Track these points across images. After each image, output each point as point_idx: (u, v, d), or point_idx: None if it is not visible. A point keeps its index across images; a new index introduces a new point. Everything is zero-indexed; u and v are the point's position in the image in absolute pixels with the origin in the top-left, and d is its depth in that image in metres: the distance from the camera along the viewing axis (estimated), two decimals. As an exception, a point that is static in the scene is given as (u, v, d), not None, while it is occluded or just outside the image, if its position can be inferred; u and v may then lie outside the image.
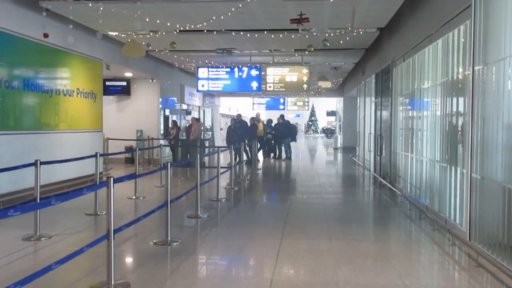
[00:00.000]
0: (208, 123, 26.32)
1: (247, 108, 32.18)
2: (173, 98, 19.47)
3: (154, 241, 6.00)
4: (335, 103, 36.93)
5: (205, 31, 9.76)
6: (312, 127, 59.66)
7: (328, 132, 46.00)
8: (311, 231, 6.76)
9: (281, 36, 10.69)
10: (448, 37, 6.88)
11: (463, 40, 6.29)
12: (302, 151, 26.05)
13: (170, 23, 8.87)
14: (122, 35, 11.08)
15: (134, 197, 9.38)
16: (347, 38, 11.37)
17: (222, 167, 10.24)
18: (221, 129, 30.70)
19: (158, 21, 8.47)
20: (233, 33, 10.39)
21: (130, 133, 16.92)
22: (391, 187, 10.01)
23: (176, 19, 8.87)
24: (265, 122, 19.31)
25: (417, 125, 8.72)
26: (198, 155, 7.73)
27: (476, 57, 5.68)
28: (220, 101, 29.76)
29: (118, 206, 9.05)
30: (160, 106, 18.18)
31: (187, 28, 8.91)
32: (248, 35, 10.47)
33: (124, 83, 16.99)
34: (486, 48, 5.50)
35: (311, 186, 11.97)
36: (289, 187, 11.86)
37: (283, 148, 18.88)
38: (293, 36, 10.81)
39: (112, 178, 4.26)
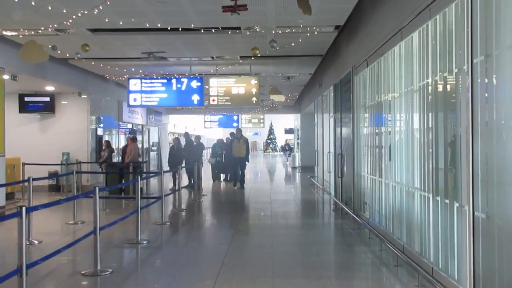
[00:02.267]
0: (153, 144, 24.05)
1: (200, 126, 30.25)
2: (110, 116, 17.21)
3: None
4: (293, 120, 35.51)
5: (115, 21, 7.25)
6: (271, 146, 58.23)
7: (286, 150, 44.63)
8: (250, 296, 4.74)
9: (214, 31, 8.36)
10: (428, 27, 5.22)
11: (453, 21, 4.56)
12: (257, 171, 24.52)
13: (52, 7, 6.64)
14: (20, 36, 8.84)
15: (27, 242, 7.14)
16: (300, 40, 9.55)
17: (148, 197, 8.14)
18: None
19: (33, 3, 6.26)
20: (147, 25, 7.90)
21: (56, 156, 14.60)
22: (356, 217, 8.23)
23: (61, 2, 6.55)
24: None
25: (386, 142, 7.02)
26: (97, 188, 5.64)
27: (478, 45, 3.98)
28: (169, 119, 27.53)
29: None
30: (102, 125, 16.03)
31: (80, 15, 6.74)
32: (169, 28, 8.07)
33: (47, 99, 14.70)
34: (493, 32, 3.80)
35: (261, 218, 10.03)
36: (233, 219, 9.74)
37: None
38: (229, 32, 8.65)
39: None
